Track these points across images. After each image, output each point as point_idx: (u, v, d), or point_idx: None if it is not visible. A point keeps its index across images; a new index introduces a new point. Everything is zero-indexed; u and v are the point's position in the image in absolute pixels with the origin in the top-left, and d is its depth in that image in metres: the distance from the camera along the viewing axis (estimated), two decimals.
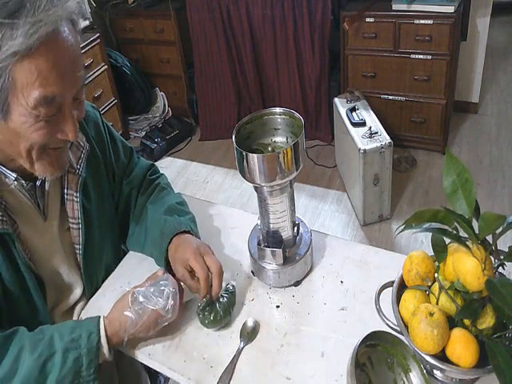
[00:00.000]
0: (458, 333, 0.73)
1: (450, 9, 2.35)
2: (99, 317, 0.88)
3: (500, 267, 0.73)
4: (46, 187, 0.93)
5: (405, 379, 0.79)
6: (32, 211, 0.92)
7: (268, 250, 0.96)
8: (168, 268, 1.00)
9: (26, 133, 0.77)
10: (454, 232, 0.73)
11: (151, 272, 1.04)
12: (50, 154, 0.83)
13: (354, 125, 2.30)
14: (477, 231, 0.69)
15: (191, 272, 0.95)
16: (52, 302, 0.99)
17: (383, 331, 0.80)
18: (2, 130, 0.77)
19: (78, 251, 1.00)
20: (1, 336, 0.82)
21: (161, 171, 1.23)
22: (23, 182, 0.87)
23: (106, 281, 1.07)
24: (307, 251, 0.99)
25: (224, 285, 0.96)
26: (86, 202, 0.99)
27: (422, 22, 2.42)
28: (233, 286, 0.97)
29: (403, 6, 2.44)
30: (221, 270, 0.94)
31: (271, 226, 0.95)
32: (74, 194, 0.96)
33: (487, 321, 0.73)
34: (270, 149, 0.93)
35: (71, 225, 0.98)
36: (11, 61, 0.69)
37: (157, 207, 1.08)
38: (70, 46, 0.75)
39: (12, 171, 0.85)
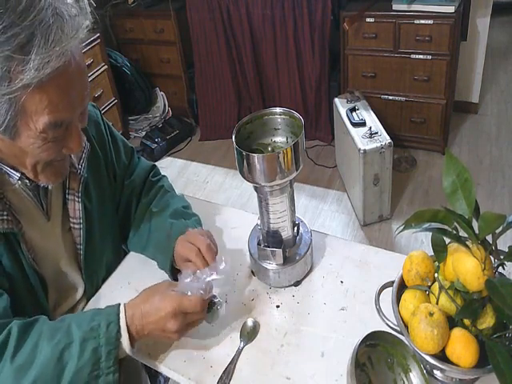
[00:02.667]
0: (457, 333, 0.73)
1: (450, 9, 2.35)
2: (119, 304, 0.85)
3: (500, 267, 0.73)
4: (50, 187, 0.93)
5: (405, 379, 0.79)
6: (35, 211, 0.93)
7: (268, 249, 0.96)
8: (172, 271, 1.00)
9: (33, 152, 0.78)
10: (454, 232, 0.73)
11: (152, 273, 1.04)
12: (54, 165, 0.85)
13: (354, 125, 2.31)
14: (477, 231, 0.69)
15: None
16: (54, 302, 0.99)
17: (383, 331, 0.80)
18: (8, 146, 0.78)
19: (79, 251, 1.00)
20: (23, 323, 0.81)
21: (161, 172, 1.23)
22: (27, 181, 0.87)
23: (107, 281, 1.07)
24: (307, 251, 0.99)
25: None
26: (87, 202, 0.99)
27: (422, 22, 2.42)
28: (216, 302, 0.90)
29: (403, 6, 2.44)
30: (208, 247, 0.93)
31: (271, 225, 0.95)
32: (76, 194, 0.96)
33: (487, 321, 0.73)
34: (269, 149, 0.93)
35: (72, 225, 0.98)
36: (22, 92, 0.68)
37: (162, 210, 1.08)
38: (80, 69, 0.74)
39: (16, 171, 0.85)
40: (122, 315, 0.83)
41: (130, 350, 0.82)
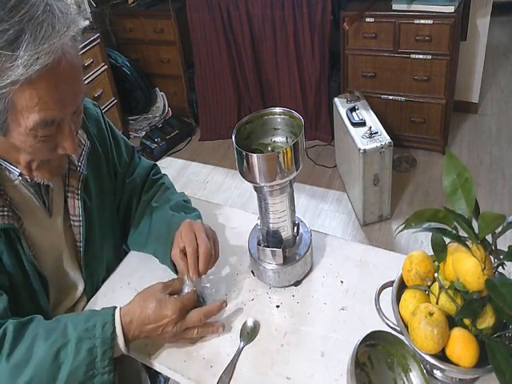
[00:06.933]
0: (457, 333, 0.73)
1: (450, 9, 2.35)
2: (115, 307, 0.85)
3: (500, 267, 0.73)
4: (51, 184, 0.93)
5: (405, 379, 0.79)
6: (37, 207, 0.92)
7: (268, 249, 0.96)
8: (172, 264, 1.00)
9: (25, 150, 0.78)
10: (454, 232, 0.73)
11: (152, 272, 1.04)
12: (51, 163, 0.84)
13: (354, 125, 2.30)
14: (476, 231, 0.69)
15: (183, 253, 0.95)
16: (54, 300, 0.99)
17: (383, 331, 0.80)
18: (1, 142, 0.78)
19: (79, 249, 1.00)
20: (18, 322, 0.81)
21: (162, 171, 1.23)
22: (27, 177, 0.87)
23: (107, 280, 1.07)
24: (307, 251, 0.99)
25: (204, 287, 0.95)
26: (87, 199, 0.99)
27: (422, 21, 2.42)
28: (203, 298, 0.94)
29: (403, 6, 2.44)
30: (208, 251, 0.93)
31: (271, 225, 0.95)
32: (76, 191, 0.96)
33: (487, 320, 0.73)
34: (269, 149, 0.93)
35: (72, 222, 0.98)
36: (11, 88, 0.68)
37: (163, 204, 1.08)
38: (72, 67, 0.74)
39: (16, 167, 0.85)
40: (117, 316, 0.83)
41: (125, 350, 0.83)
